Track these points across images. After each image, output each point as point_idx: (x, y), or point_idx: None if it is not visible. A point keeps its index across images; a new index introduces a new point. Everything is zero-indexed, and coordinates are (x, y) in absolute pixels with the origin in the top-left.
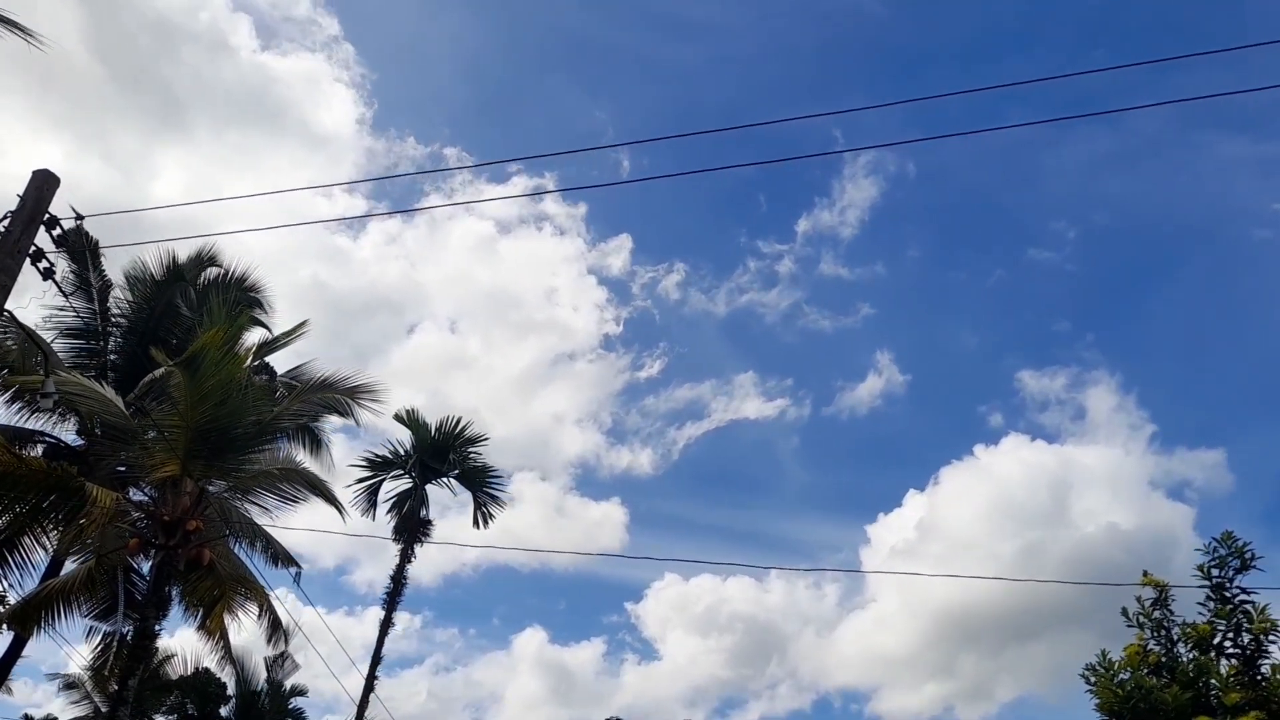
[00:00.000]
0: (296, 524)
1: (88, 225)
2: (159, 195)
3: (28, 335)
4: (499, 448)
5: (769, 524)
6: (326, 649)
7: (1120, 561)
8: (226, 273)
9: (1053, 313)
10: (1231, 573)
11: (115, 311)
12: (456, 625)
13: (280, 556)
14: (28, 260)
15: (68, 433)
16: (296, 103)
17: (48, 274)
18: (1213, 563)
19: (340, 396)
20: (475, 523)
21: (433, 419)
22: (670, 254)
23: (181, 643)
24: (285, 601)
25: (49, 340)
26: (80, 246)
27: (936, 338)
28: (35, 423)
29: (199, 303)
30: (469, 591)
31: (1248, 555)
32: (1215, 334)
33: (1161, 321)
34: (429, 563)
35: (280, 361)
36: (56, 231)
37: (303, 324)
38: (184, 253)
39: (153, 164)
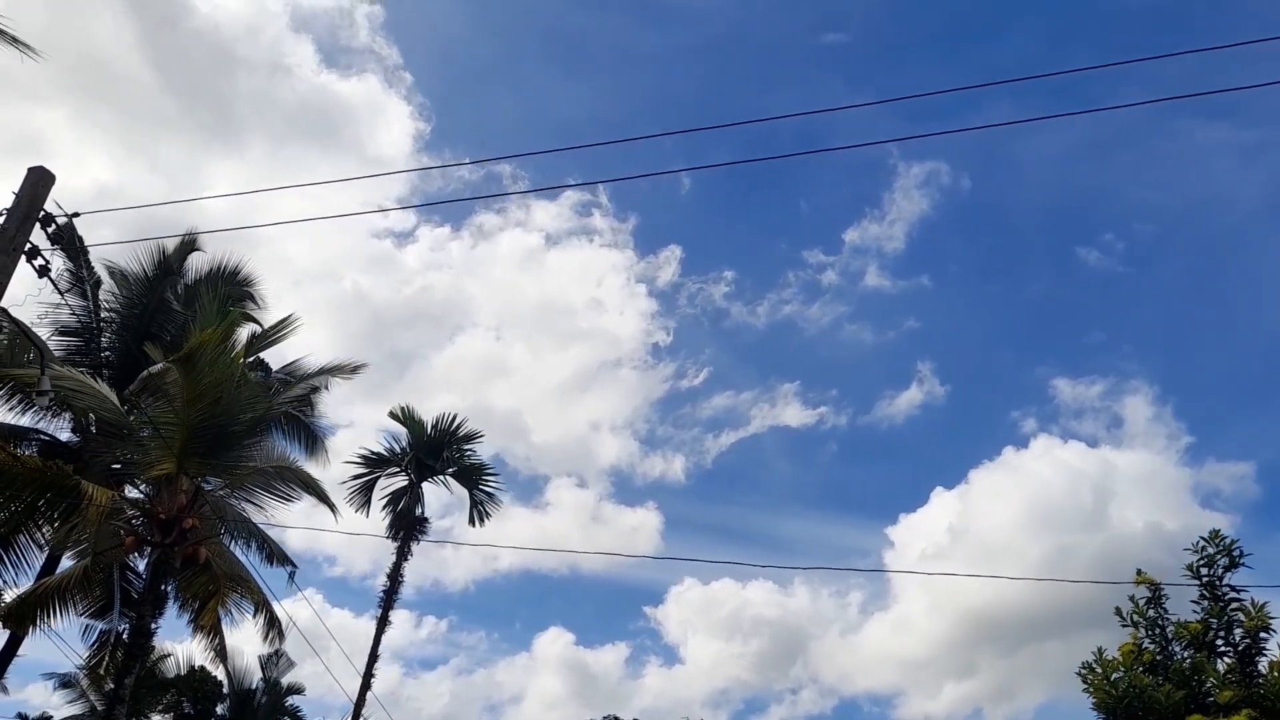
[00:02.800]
0: (293, 521)
1: (94, 222)
2: (207, 207)
3: (23, 331)
4: (539, 454)
5: (798, 528)
6: (350, 650)
7: (1164, 563)
8: (219, 267)
9: (1092, 323)
10: (1221, 571)
11: (114, 307)
12: (485, 629)
13: (276, 555)
14: (23, 257)
15: (62, 430)
16: (353, 123)
17: (43, 271)
18: (1201, 561)
19: (323, 377)
20: (471, 520)
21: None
22: (719, 264)
23: (178, 641)
24: (312, 604)
25: (44, 337)
26: (75, 243)
27: (978, 349)
28: (30, 420)
29: (191, 298)
30: (500, 597)
31: (1236, 553)
32: (1242, 344)
33: (1197, 331)
34: (464, 568)
35: (276, 356)
36: (52, 229)
37: (289, 317)
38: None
39: (203, 177)
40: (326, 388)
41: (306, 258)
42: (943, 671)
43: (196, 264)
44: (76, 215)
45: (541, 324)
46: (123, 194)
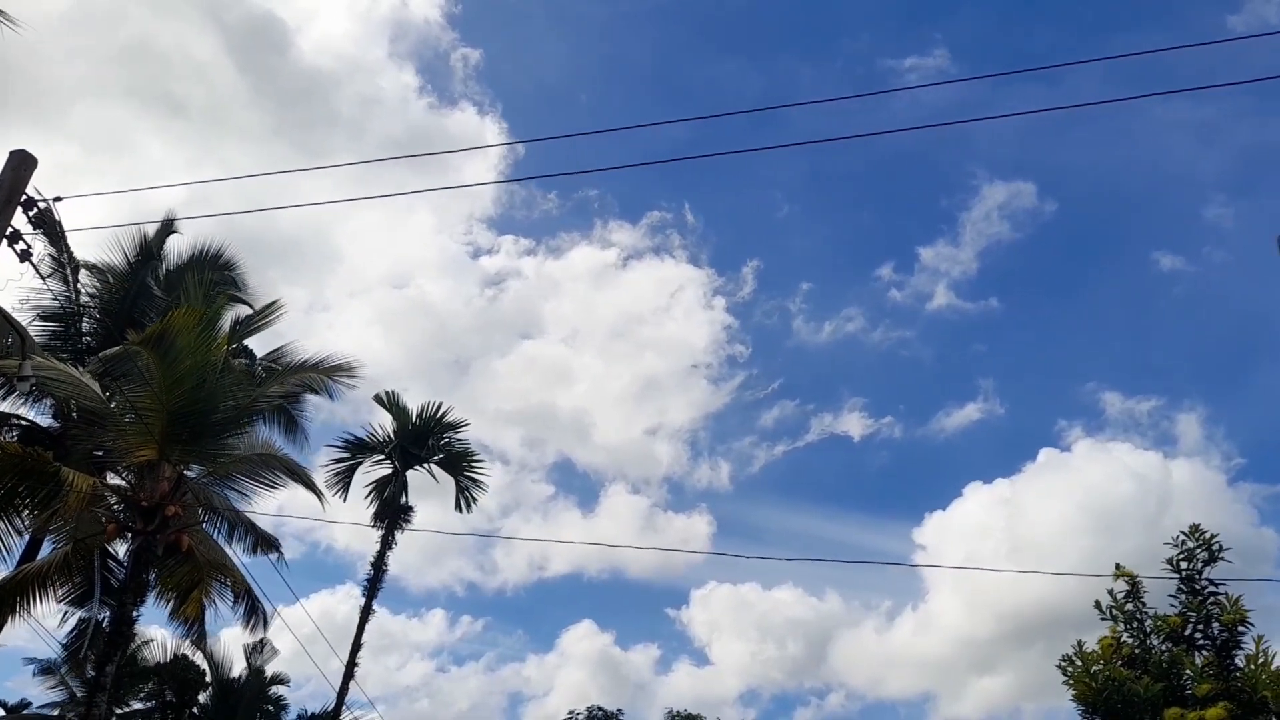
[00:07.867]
0: (276, 509)
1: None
2: (285, 216)
3: (4, 317)
4: (602, 460)
5: (840, 533)
6: (382, 644)
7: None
8: (201, 251)
9: (1154, 342)
10: (1200, 565)
11: (92, 292)
12: (524, 628)
13: (261, 541)
14: (4, 242)
15: (43, 416)
16: (444, 147)
17: (25, 256)
18: (1181, 555)
19: (317, 375)
20: (457, 507)
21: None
22: (797, 278)
23: (159, 629)
24: (351, 600)
25: (24, 323)
26: (57, 229)
27: (1039, 368)
28: (10, 405)
29: (174, 283)
30: (543, 599)
31: (1215, 548)
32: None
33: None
34: (513, 570)
35: (261, 343)
36: (33, 213)
37: (274, 303)
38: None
39: (281, 189)
40: (330, 394)
41: (379, 265)
42: (974, 672)
43: (178, 248)
44: (58, 199)
45: (612, 333)
46: (204, 201)
